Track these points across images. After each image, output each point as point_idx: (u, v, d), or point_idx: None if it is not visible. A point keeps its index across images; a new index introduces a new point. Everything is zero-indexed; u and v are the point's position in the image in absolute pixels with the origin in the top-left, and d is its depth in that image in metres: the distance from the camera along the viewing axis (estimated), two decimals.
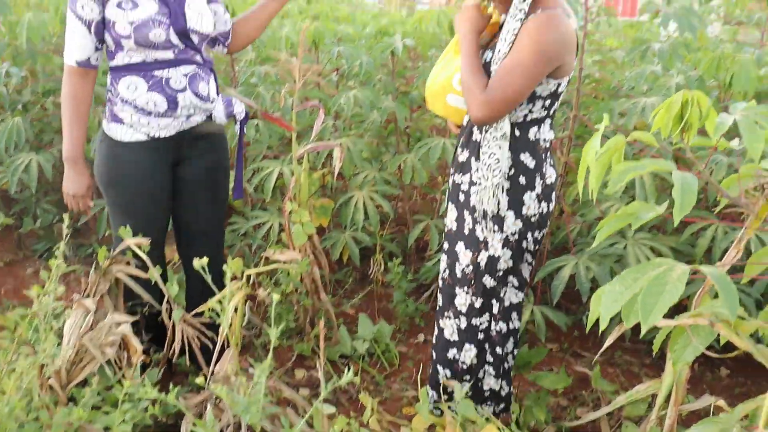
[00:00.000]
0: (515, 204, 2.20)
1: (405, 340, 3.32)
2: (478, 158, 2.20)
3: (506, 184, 2.17)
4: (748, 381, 3.12)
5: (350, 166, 3.38)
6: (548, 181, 2.23)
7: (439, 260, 3.40)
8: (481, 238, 2.25)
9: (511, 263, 2.29)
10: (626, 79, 3.28)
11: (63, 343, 1.93)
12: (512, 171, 2.17)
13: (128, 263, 2.63)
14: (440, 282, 2.46)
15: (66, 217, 2.03)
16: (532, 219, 2.23)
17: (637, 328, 2.26)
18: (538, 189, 2.20)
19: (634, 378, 3.08)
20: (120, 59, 2.29)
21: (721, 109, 3.10)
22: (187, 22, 2.31)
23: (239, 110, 2.55)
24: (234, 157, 3.26)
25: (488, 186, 2.16)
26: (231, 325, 2.18)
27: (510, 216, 2.20)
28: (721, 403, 2.18)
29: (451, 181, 2.38)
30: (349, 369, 2.91)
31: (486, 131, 2.14)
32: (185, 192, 2.60)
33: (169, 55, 2.30)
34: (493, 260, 2.27)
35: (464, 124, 2.33)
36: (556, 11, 2.01)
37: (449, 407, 2.37)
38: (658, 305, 1.11)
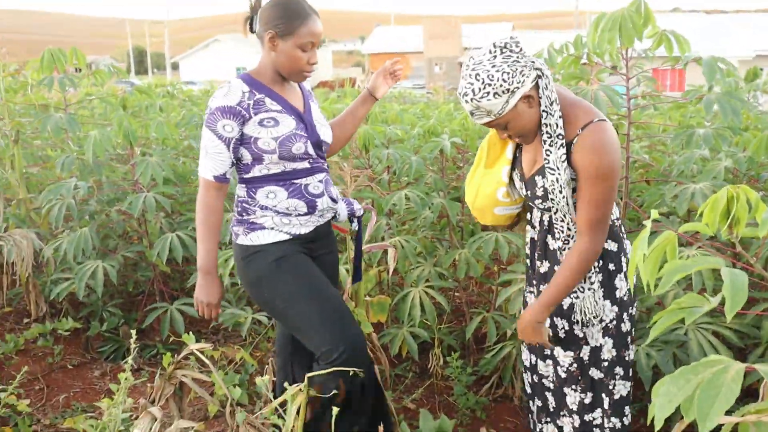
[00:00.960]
0: (609, 292, 2.24)
1: None
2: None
3: (599, 276, 2.22)
4: None
5: (404, 262, 3.44)
6: (629, 256, 2.26)
7: (498, 351, 3.40)
8: (581, 336, 2.27)
9: (614, 352, 2.29)
10: (675, 163, 3.29)
11: None
12: (601, 262, 2.22)
13: (192, 366, 2.70)
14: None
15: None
16: (625, 298, 2.27)
17: None
18: (624, 267, 2.26)
19: None
20: (257, 171, 2.42)
21: None
22: (320, 134, 2.49)
23: (358, 208, 2.71)
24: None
25: (588, 295, 2.23)
26: (293, 428, 2.22)
27: (607, 304, 2.24)
28: None
29: (528, 293, 2.46)
30: None
31: (564, 241, 2.22)
32: None
33: (305, 164, 2.45)
34: (596, 351, 2.28)
35: (534, 237, 2.38)
36: (596, 123, 2.07)
37: None
38: (714, 409, 1.11)
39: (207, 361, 2.46)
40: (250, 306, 3.97)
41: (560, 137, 2.06)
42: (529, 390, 2.57)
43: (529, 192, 2.24)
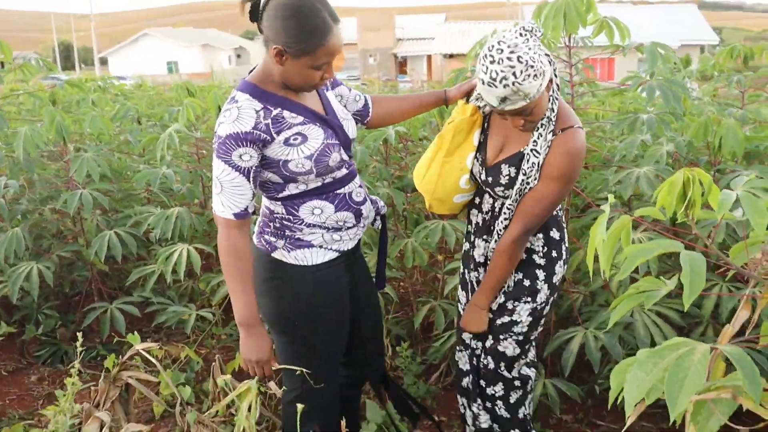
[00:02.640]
0: (549, 277, 2.34)
1: (419, 422, 3.28)
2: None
3: (542, 261, 2.32)
4: None
5: None
6: (567, 245, 2.40)
7: (446, 339, 3.40)
8: (510, 307, 2.36)
9: (525, 329, 2.39)
10: (617, 149, 3.34)
11: None
12: (545, 249, 2.32)
13: (138, 367, 2.63)
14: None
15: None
16: (557, 284, 2.38)
17: None
18: (564, 256, 2.37)
19: None
20: (293, 189, 2.12)
21: (713, 172, 3.16)
22: (348, 133, 2.22)
23: (382, 206, 2.43)
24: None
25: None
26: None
27: (544, 288, 2.33)
28: None
29: (471, 275, 2.50)
30: None
31: (503, 221, 2.28)
32: (361, 297, 2.45)
33: (344, 171, 2.19)
34: (512, 324, 2.38)
35: (479, 222, 2.43)
36: (576, 129, 2.16)
37: None
38: (683, 391, 1.12)
39: (154, 361, 2.39)
40: (193, 302, 3.88)
41: (552, 125, 2.13)
42: (467, 366, 2.60)
43: (490, 179, 2.26)
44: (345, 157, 2.17)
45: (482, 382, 2.48)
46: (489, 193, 2.34)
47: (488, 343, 2.43)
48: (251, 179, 2.01)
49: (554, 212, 2.32)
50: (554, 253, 2.33)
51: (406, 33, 50.75)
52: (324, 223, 2.16)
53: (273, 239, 2.19)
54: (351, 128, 2.24)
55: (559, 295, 3.17)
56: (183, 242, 3.56)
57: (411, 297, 3.86)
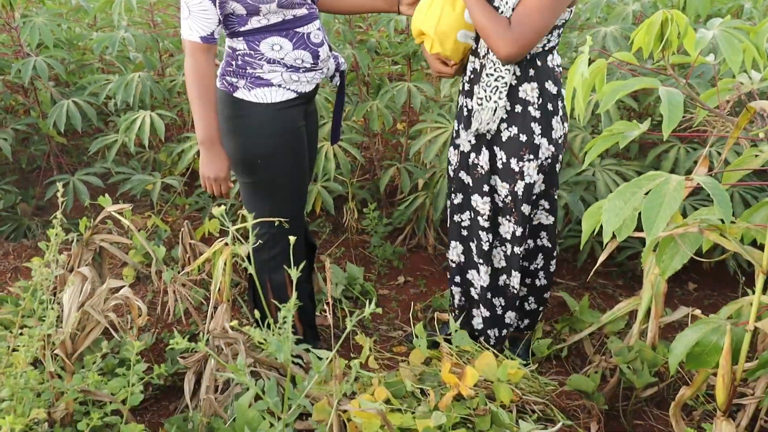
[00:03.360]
0: (546, 131, 2.30)
1: (386, 283, 3.39)
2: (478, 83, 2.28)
3: (537, 114, 2.27)
4: (714, 293, 3.28)
5: (316, 117, 3.39)
6: (564, 103, 2.33)
7: (411, 202, 3.47)
8: (517, 169, 2.34)
9: (543, 187, 2.40)
10: (581, 10, 3.33)
11: (64, 312, 1.94)
12: (540, 100, 2.26)
13: (110, 232, 2.64)
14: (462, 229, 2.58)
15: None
16: (560, 141, 2.35)
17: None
18: (561, 111, 2.32)
19: (610, 299, 3.21)
20: (255, 23, 2.21)
21: None
22: None
23: (342, 62, 2.54)
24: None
25: (489, 107, 2.26)
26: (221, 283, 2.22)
27: (544, 143, 2.30)
28: (697, 312, 2.31)
29: (467, 131, 2.45)
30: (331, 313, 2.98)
31: (490, 60, 2.22)
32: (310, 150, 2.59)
33: (304, 11, 2.27)
34: (529, 188, 2.36)
35: (476, 67, 2.34)
36: None
37: (445, 339, 2.47)
38: (660, 216, 1.18)
39: (128, 223, 2.40)
40: (157, 171, 3.86)
41: None
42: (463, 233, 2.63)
43: None
44: None
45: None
46: None
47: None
48: (217, 4, 2.12)
49: (551, 65, 2.26)
50: (550, 107, 2.28)
51: None
52: (283, 59, 2.25)
53: (234, 79, 2.29)
54: None
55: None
56: (144, 110, 3.50)
57: (375, 161, 3.89)
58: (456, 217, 2.58)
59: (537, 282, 2.60)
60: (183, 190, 3.87)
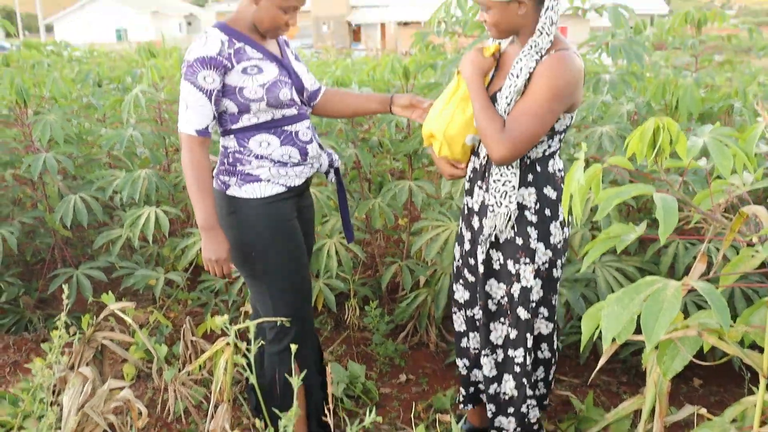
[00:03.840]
0: (544, 236, 2.31)
1: (388, 381, 3.36)
2: (488, 189, 2.30)
3: (534, 218, 2.28)
4: (721, 389, 3.23)
5: (319, 214, 3.44)
6: None
7: (413, 299, 3.47)
8: (513, 271, 2.34)
9: (541, 293, 2.38)
10: (579, 109, 3.42)
11: (64, 414, 1.93)
12: (538, 205, 2.28)
13: (112, 328, 2.64)
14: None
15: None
16: (559, 246, 2.35)
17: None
18: (560, 217, 2.32)
19: (614, 396, 3.17)
20: (245, 121, 2.37)
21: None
22: (302, 79, 2.48)
23: (336, 158, 2.68)
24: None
25: (502, 212, 2.28)
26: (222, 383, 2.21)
27: (540, 247, 2.31)
28: (703, 411, 2.28)
29: (469, 227, 2.48)
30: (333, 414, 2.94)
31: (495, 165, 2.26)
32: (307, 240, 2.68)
33: (293, 111, 2.43)
34: (526, 292, 2.35)
35: (477, 167, 2.39)
36: (569, 51, 2.13)
37: None
38: (659, 322, 1.19)
39: (129, 320, 2.41)
40: (160, 266, 3.88)
41: (539, 52, 2.13)
42: (463, 327, 2.63)
43: None
44: (295, 97, 2.42)
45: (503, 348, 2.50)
46: None
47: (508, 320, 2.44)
48: (213, 101, 2.28)
49: (551, 170, 2.29)
50: (548, 212, 2.29)
51: (360, 0, 50.30)
52: (270, 155, 2.39)
53: (227, 177, 2.43)
54: (307, 79, 2.52)
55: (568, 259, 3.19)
56: (150, 206, 3.55)
57: (377, 258, 3.91)
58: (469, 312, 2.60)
59: (536, 392, 2.57)
60: (186, 285, 3.89)
